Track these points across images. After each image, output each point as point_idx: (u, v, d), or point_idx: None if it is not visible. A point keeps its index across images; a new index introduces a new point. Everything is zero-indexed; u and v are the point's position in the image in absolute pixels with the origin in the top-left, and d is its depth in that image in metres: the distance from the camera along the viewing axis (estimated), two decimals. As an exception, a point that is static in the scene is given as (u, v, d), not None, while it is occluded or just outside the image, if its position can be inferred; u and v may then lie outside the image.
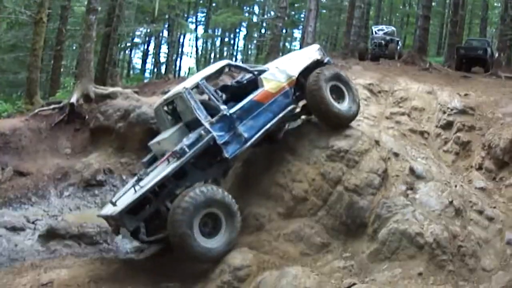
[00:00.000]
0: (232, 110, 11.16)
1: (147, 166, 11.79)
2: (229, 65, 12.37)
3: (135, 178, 11.04)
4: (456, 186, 11.94)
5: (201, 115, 10.90)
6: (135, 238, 10.86)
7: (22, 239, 12.92)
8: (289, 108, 12.05)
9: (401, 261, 9.89)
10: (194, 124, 11.03)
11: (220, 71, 12.18)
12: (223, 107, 11.13)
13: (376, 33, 33.24)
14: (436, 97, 17.39)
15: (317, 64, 12.68)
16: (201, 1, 56.77)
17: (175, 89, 11.92)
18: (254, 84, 12.00)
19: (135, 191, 10.36)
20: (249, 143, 11.33)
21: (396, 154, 12.19)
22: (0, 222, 13.33)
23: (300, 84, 12.25)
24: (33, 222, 13.78)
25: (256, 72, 12.02)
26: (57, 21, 32.32)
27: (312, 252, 10.62)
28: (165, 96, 12.28)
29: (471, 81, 22.52)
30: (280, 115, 11.83)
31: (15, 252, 12.21)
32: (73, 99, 18.31)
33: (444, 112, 16.27)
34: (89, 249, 12.32)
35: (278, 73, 12.05)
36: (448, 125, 15.81)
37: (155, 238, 10.79)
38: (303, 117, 13.12)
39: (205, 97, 12.12)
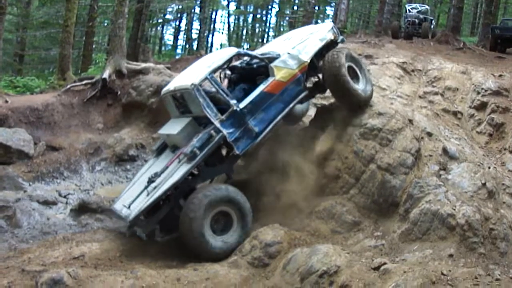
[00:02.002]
0: (242, 105, 10.91)
1: (158, 153, 12.07)
2: (238, 54, 11.80)
3: (147, 178, 10.76)
4: (489, 168, 11.81)
5: (211, 113, 10.64)
6: (150, 238, 10.56)
7: (54, 213, 13.02)
8: (301, 95, 11.83)
9: (432, 242, 9.82)
10: (204, 119, 10.82)
11: (229, 61, 11.63)
12: (233, 102, 10.84)
13: (409, 11, 32.87)
14: (470, 77, 17.19)
15: (331, 43, 12.49)
16: (233, -22, 56.60)
17: (182, 82, 11.34)
18: (265, 68, 11.62)
19: (148, 193, 10.36)
20: (260, 138, 11.23)
21: (429, 134, 12.10)
22: (33, 196, 13.44)
23: (313, 65, 12.08)
24: (65, 196, 13.90)
25: (266, 60, 11.55)
26: (88, -2, 32.54)
27: (343, 230, 10.66)
28: (171, 87, 11.68)
29: (506, 62, 22.16)
30: (292, 104, 11.69)
31: (47, 225, 12.29)
32: (106, 75, 18.35)
33: (478, 93, 16.07)
34: (120, 223, 12.38)
35: (290, 59, 11.65)
36: (481, 106, 15.60)
37: (170, 237, 10.58)
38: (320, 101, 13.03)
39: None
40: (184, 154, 10.42)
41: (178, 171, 10.39)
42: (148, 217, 10.48)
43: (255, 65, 12.16)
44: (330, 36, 12.50)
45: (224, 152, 11.47)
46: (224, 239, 10.26)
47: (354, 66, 12.17)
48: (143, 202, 10.21)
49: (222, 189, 10.45)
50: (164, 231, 10.53)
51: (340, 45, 12.83)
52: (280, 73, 11.43)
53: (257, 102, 11.10)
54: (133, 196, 10.61)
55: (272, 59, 11.56)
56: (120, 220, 11.35)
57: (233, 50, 11.82)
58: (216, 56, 12.11)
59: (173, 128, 11.37)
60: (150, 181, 10.50)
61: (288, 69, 11.54)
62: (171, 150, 11.51)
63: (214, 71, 11.15)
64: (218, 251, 10.09)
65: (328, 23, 13.68)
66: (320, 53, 12.17)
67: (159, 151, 12.12)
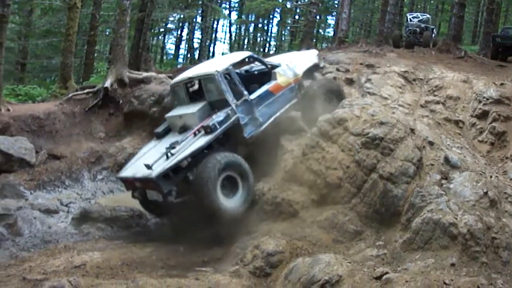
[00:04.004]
0: (252, 96, 12.60)
1: (160, 136, 13.15)
2: (250, 57, 13.67)
3: (164, 145, 11.90)
4: (491, 176, 11.77)
5: (230, 97, 12.18)
6: (164, 199, 11.41)
7: (56, 222, 13.04)
8: (293, 101, 13.60)
9: (434, 251, 9.76)
10: (218, 104, 12.34)
11: (243, 61, 13.68)
12: (246, 92, 12.49)
13: (411, 20, 32.84)
14: (471, 86, 17.21)
15: (315, 67, 14.77)
16: (235, -13, 56.52)
17: (203, 69, 13.10)
18: (264, 75, 13.56)
19: (167, 157, 11.33)
20: (263, 127, 12.75)
21: (431, 143, 12.11)
22: (35, 204, 13.48)
23: (300, 82, 13.92)
24: (66, 205, 13.93)
25: (270, 66, 13.52)
26: (90, 7, 32.62)
27: (345, 239, 10.61)
28: (190, 74, 13.29)
29: (507, 70, 22.12)
30: (287, 106, 13.42)
31: (49, 234, 12.32)
32: (107, 84, 18.42)
33: (480, 102, 16.09)
34: (121, 232, 12.40)
35: (288, 70, 13.69)
36: (483, 115, 15.62)
37: (183, 199, 11.45)
38: None
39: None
40: (205, 127, 11.72)
41: (199, 141, 11.63)
42: (168, 179, 11.25)
43: (255, 72, 14.27)
44: (315, 60, 14.79)
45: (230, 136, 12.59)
46: (230, 202, 11.41)
47: (333, 96, 13.94)
48: (165, 163, 11.21)
49: (229, 155, 11.64)
50: (178, 195, 11.47)
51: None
52: (281, 78, 13.36)
53: (262, 97, 12.82)
54: (152, 160, 11.41)
55: (275, 66, 13.57)
56: (130, 186, 12.47)
57: (248, 53, 13.97)
58: (233, 55, 14.40)
59: (188, 110, 12.75)
60: (171, 147, 11.53)
61: (286, 77, 13.53)
62: (179, 132, 12.65)
63: (233, 65, 12.81)
64: (224, 211, 11.16)
65: (315, 51, 16.02)
66: (306, 73, 14.19)
67: (162, 135, 13.14)
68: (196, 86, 13.83)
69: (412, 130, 12.02)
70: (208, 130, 11.66)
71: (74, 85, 21.70)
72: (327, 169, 11.49)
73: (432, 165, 11.51)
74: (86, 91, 19.01)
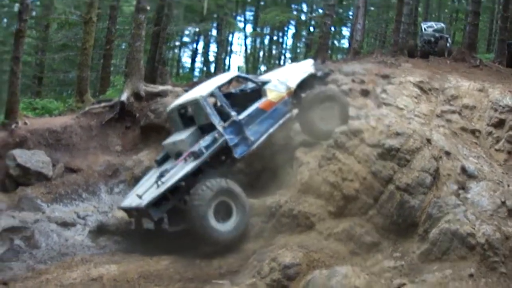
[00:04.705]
0: (241, 116, 12.63)
1: (159, 164, 13.45)
2: (238, 76, 14.23)
3: (157, 174, 12.21)
4: (508, 185, 11.74)
5: (216, 120, 12.31)
6: (157, 228, 12.09)
7: (73, 235, 13.10)
8: (288, 115, 13.60)
9: (452, 261, 9.74)
10: (208, 127, 12.45)
11: (230, 81, 13.99)
12: (233, 113, 12.53)
13: (425, 30, 32.66)
14: (487, 94, 17.09)
15: (312, 77, 14.35)
16: (249, 0, 56.64)
17: (190, 95, 13.50)
18: (257, 93, 13.54)
19: (158, 186, 11.59)
20: (255, 145, 12.85)
21: (447, 153, 12.09)
22: (51, 217, 13.55)
23: (297, 94, 13.84)
24: (83, 218, 13.96)
25: (260, 83, 13.54)
26: (106, 21, 32.74)
27: (362, 251, 10.62)
28: (180, 101, 13.82)
29: (523, 78, 21.98)
30: (281, 121, 13.42)
31: (66, 247, 12.38)
32: (124, 97, 18.47)
33: (496, 110, 15.98)
34: (138, 245, 12.41)
35: (279, 84, 13.60)
36: (500, 123, 15.51)
37: (176, 228, 11.82)
38: None
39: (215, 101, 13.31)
40: (192, 152, 11.88)
41: (186, 167, 11.79)
42: (157, 207, 11.53)
43: (248, 91, 14.23)
44: (311, 70, 14.48)
45: (223, 158, 12.81)
46: (224, 227, 11.49)
47: (331, 102, 13.57)
48: (155, 192, 11.52)
49: (222, 181, 11.71)
50: (173, 224, 12.00)
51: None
52: (271, 94, 13.31)
53: (252, 115, 12.88)
54: (143, 191, 11.90)
55: (265, 83, 13.57)
56: (130, 214, 12.65)
57: (235, 73, 14.77)
58: (220, 77, 14.22)
59: (180, 136, 13.02)
60: (160, 175, 11.79)
61: (278, 92, 13.45)
62: (175, 158, 12.76)
63: (219, 87, 13.09)
64: (218, 236, 11.36)
65: (310, 60, 15.83)
66: (304, 84, 14.02)
67: (161, 162, 13.48)
68: (190, 112, 13.79)
69: (429, 140, 12.02)
70: (195, 155, 11.84)
71: (91, 98, 21.78)
72: (343, 181, 11.52)
73: (449, 175, 11.49)
74: (102, 104, 19.06)
